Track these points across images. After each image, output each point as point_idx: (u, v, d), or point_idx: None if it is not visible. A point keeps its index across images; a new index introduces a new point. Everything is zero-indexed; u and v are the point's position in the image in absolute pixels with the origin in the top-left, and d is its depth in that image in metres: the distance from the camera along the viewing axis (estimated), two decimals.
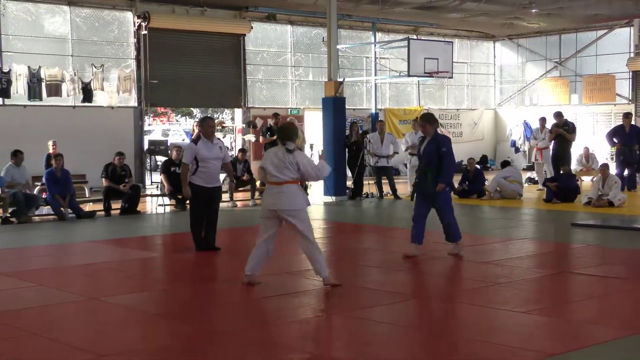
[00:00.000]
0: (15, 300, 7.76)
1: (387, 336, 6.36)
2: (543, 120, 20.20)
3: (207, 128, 10.37)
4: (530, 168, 25.28)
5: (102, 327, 6.75)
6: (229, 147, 34.28)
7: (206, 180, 10.26)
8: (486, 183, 18.26)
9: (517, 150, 28.94)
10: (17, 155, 15.18)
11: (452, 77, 22.23)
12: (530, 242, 11.39)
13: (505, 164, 19.00)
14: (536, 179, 20.83)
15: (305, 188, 19.43)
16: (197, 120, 28.35)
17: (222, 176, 11.83)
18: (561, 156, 18.89)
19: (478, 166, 21.87)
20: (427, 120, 9.86)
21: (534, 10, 24.11)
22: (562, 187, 16.74)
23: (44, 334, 6.38)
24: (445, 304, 7.32)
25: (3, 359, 5.77)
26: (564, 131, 19.15)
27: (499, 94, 30.61)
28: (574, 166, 20.27)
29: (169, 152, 18.72)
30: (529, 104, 29.31)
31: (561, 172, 17.40)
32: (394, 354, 5.82)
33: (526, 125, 28.13)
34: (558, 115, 19.50)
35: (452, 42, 23.20)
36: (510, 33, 29.11)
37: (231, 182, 11.64)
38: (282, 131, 8.18)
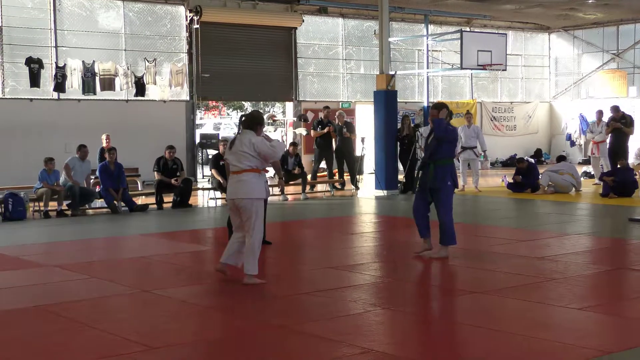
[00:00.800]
0: (68, 292, 7.89)
1: (440, 332, 6.32)
2: (600, 113, 19.86)
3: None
4: (586, 162, 24.88)
5: (153, 320, 6.82)
6: (280, 141, 34.43)
7: None
8: (540, 177, 18.02)
9: (572, 144, 28.51)
10: (81, 149, 15.38)
11: (505, 70, 21.98)
12: (586, 238, 11.21)
13: (561, 158, 18.76)
14: (592, 173, 20.51)
15: (356, 182, 19.39)
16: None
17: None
18: (618, 150, 18.54)
19: (532, 160, 21.64)
20: (434, 106, 9.56)
21: (590, 1, 23.69)
22: (619, 181, 16.43)
23: (96, 325, 6.47)
24: (499, 300, 7.24)
25: (57, 349, 5.87)
26: (621, 125, 18.80)
27: (553, 86, 30.16)
28: (631, 160, 19.91)
29: (219, 146, 18.83)
30: (585, 96, 28.83)
31: (618, 166, 17.09)
32: (446, 350, 5.78)
33: (582, 118, 27.68)
34: (615, 109, 19.14)
35: (505, 34, 22.95)
36: (566, 24, 28.64)
37: (280, 180, 11.29)
38: (246, 120, 8.15)
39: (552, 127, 29.88)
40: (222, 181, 15.96)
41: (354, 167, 19.19)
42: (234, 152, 7.98)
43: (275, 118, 38.80)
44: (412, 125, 18.57)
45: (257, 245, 7.99)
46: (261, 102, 39.01)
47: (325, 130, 18.85)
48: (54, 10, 19.65)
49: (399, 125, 18.47)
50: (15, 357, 5.69)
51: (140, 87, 20.51)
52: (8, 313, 7.05)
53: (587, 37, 28.84)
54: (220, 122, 37.86)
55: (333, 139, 19.13)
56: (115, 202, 15.08)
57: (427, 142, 9.43)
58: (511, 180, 18.10)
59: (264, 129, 8.20)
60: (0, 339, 6.18)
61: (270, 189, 8.28)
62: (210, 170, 15.99)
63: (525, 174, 17.84)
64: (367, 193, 18.25)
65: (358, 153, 20.55)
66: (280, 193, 17.12)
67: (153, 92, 20.89)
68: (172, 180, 15.71)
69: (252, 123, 8.08)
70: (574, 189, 17.45)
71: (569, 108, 29.08)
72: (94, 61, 19.81)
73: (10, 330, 6.46)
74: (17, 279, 8.65)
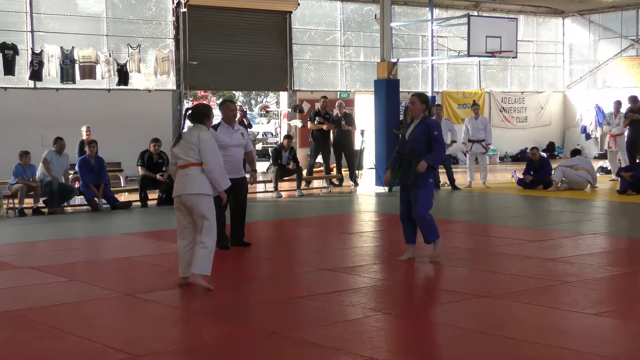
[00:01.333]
0: (46, 296, 7.89)
1: (444, 339, 6.33)
2: (618, 104, 19.88)
3: (227, 112, 10.21)
4: (602, 156, 24.92)
5: (137, 326, 6.83)
6: (274, 133, 34.50)
7: (228, 171, 10.06)
8: (553, 173, 18.05)
9: (588, 137, 28.54)
10: (58, 142, 15.38)
11: (516, 57, 22.00)
12: (603, 238, 11.23)
13: (575, 152, 18.79)
14: (609, 168, 20.53)
15: (355, 178, 19.39)
16: (240, 104, 28.45)
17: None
18: (637, 143, 18.55)
19: (544, 154, 21.65)
20: (421, 99, 9.22)
21: None
22: (638, 177, 16.46)
23: (76, 332, 6.47)
24: (508, 304, 7.26)
25: (34, 358, 5.87)
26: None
27: (568, 75, 30.18)
28: None
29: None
30: (601, 86, 28.86)
31: (637, 160, 17.11)
32: (450, 358, 5.79)
33: (598, 109, 27.71)
34: (634, 100, 19.16)
35: (516, 18, 22.98)
36: (582, 8, 28.66)
37: (253, 172, 11.34)
38: (193, 113, 8.12)
39: (565, 118, 29.92)
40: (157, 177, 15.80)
41: (353, 161, 19.21)
42: (181, 145, 7.96)
43: (269, 109, 38.75)
44: None
45: (213, 244, 7.96)
46: (253, 92, 39.10)
47: (325, 127, 18.87)
48: None
49: (401, 117, 18.47)
50: None
51: (123, 76, 20.47)
52: None
53: (604, 21, 28.86)
54: None
55: (331, 132, 19.15)
56: (96, 199, 15.09)
57: (406, 137, 9.17)
58: (521, 176, 18.13)
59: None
60: None
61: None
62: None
63: (537, 168, 17.87)
64: (367, 189, 18.26)
65: (357, 147, 20.57)
66: (274, 189, 17.12)
67: (137, 81, 20.87)
68: (157, 176, 15.73)
69: (200, 117, 8.06)
70: (589, 185, 17.48)
71: (584, 98, 29.12)
72: (73, 47, 19.77)
73: None
74: None
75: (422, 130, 9.09)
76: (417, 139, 9.08)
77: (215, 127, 10.17)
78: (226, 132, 10.05)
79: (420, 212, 9.10)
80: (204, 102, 45.90)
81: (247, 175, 10.92)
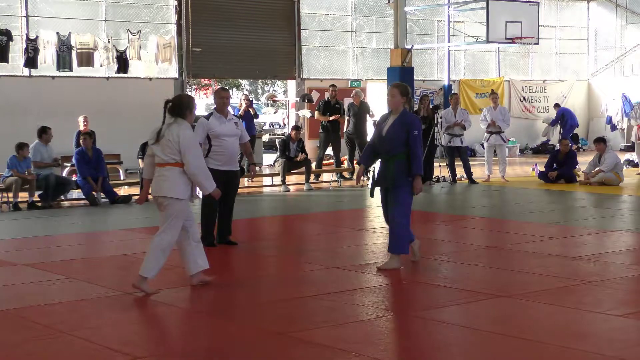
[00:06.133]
0: (42, 295, 7.92)
1: (459, 340, 6.34)
2: None
3: (218, 100, 10.21)
4: (629, 149, 24.85)
5: (137, 326, 6.86)
6: (281, 124, 34.51)
7: (222, 162, 9.98)
8: (577, 167, 18.01)
9: (613, 128, 28.46)
10: (45, 133, 15.46)
11: (537, 44, 21.99)
12: (629, 235, 11.20)
13: (600, 141, 18.65)
14: (636, 161, 20.49)
15: (366, 172, 19.39)
16: (245, 93, 28.50)
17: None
18: None
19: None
20: (402, 91, 8.72)
21: None
22: None
23: (74, 332, 6.50)
24: (527, 305, 7.26)
25: (29, 359, 5.90)
26: None
27: (592, 62, 30.09)
28: None
29: None
30: (628, 74, 28.77)
31: None
32: None
33: (625, 99, 27.62)
34: None
35: (538, 2, 22.90)
36: None
37: (252, 166, 11.10)
38: (172, 105, 7.95)
39: (590, 109, 29.84)
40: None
41: None
42: (160, 143, 7.79)
43: (276, 98, 38.82)
44: (430, 106, 18.57)
45: (166, 247, 7.78)
46: (260, 80, 39.07)
47: (332, 118, 18.87)
48: None
49: (416, 107, 18.46)
50: None
51: (122, 63, 20.51)
52: None
53: (631, 5, 28.75)
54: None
55: (341, 123, 19.15)
56: (94, 192, 15.12)
57: (383, 133, 8.73)
58: (543, 169, 18.09)
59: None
60: None
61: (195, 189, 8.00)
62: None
63: (561, 162, 17.77)
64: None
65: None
66: (281, 183, 17.13)
67: (137, 69, 20.90)
68: None
69: (181, 109, 7.90)
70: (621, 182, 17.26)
71: (609, 87, 29.03)
72: (70, 33, 19.81)
73: None
74: None
75: (401, 127, 8.59)
76: (395, 137, 8.61)
77: (208, 116, 10.18)
78: (218, 121, 10.03)
79: (398, 219, 8.69)
80: (205, 91, 45.93)
81: (247, 171, 10.87)
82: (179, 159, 7.72)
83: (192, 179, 7.79)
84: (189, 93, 22.07)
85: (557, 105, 26.27)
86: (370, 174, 9.11)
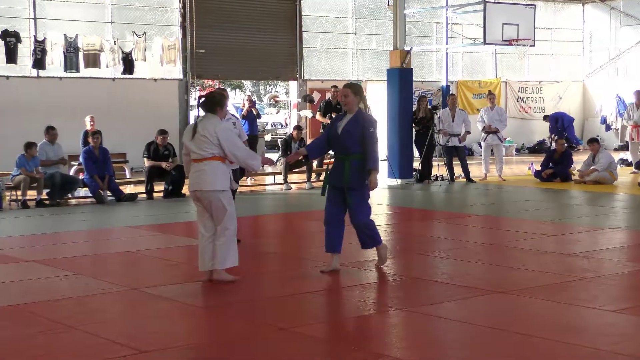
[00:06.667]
0: (50, 291, 7.93)
1: (458, 335, 6.34)
2: (639, 94, 19.80)
3: None
4: (623, 148, 24.84)
5: (143, 321, 6.86)
6: (283, 124, 34.50)
7: None
8: (573, 166, 18.01)
9: (608, 128, 28.44)
10: (50, 132, 15.48)
11: (534, 45, 21.91)
12: (622, 232, 11.20)
13: (593, 141, 18.67)
14: (630, 160, 20.48)
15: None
16: (248, 94, 28.48)
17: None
18: None
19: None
20: (354, 91, 8.41)
21: None
22: None
23: (81, 327, 6.50)
24: (524, 300, 7.25)
25: (37, 353, 5.91)
26: None
27: (587, 63, 30.07)
28: None
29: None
30: (622, 75, 28.74)
31: None
32: (464, 356, 5.80)
33: (619, 99, 27.60)
34: None
35: (534, 5, 22.88)
36: None
37: (264, 156, 10.96)
38: (205, 101, 8.03)
39: (585, 109, 29.82)
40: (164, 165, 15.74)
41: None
42: (195, 139, 7.89)
43: (278, 99, 38.79)
44: (429, 107, 18.57)
45: (233, 234, 7.96)
46: (262, 81, 39.05)
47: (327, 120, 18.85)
48: None
49: (415, 107, 18.46)
50: None
51: (128, 64, 20.52)
52: None
53: (626, 8, 28.71)
54: None
55: None
56: (100, 191, 15.12)
57: (338, 131, 8.43)
58: (539, 168, 18.08)
59: (227, 112, 8.09)
60: None
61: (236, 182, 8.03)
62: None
63: (557, 161, 17.78)
64: (379, 182, 18.23)
65: None
66: (283, 182, 17.13)
67: (142, 70, 20.91)
68: (164, 164, 15.68)
69: (212, 105, 7.98)
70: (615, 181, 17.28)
71: (604, 88, 29.00)
72: (77, 35, 19.83)
73: None
74: None
75: (356, 125, 8.32)
76: (350, 136, 8.32)
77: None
78: None
79: (362, 220, 8.46)
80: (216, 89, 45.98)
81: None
82: (215, 153, 7.82)
83: (241, 163, 8.00)
84: (193, 94, 22.07)
85: (546, 117, 26.16)
86: (324, 174, 8.84)
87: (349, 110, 8.44)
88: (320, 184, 18.21)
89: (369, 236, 8.56)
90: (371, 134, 8.33)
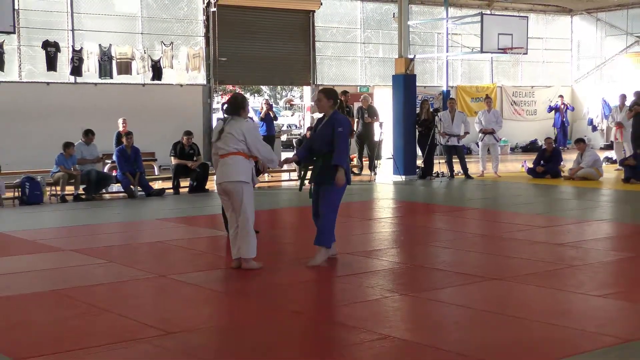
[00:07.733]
0: (86, 277, 7.94)
1: (457, 318, 6.32)
2: (623, 98, 19.71)
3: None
4: (608, 147, 24.72)
5: (170, 305, 6.87)
6: (298, 125, 34.48)
7: None
8: (562, 163, 17.94)
9: (594, 129, 28.32)
10: (87, 135, 15.54)
11: (526, 53, 21.85)
12: (607, 224, 11.15)
13: (580, 141, 18.61)
14: (614, 158, 20.38)
15: (374, 167, 19.32)
16: (266, 98, 28.44)
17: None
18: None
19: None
20: (326, 94, 8.26)
21: None
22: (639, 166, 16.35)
23: (114, 310, 6.52)
24: (518, 286, 7.23)
25: (75, 333, 5.93)
26: None
27: (575, 70, 29.93)
28: None
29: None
30: (607, 80, 28.59)
31: (638, 152, 16.96)
32: (463, 337, 5.79)
33: (604, 103, 27.47)
34: (639, 94, 18.96)
35: (527, 16, 22.79)
36: (589, 7, 28.38)
37: (262, 162, 10.96)
38: (229, 105, 8.05)
39: (573, 112, 29.66)
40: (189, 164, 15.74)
41: (374, 152, 19.18)
42: (222, 137, 7.92)
43: (293, 102, 38.71)
44: (431, 109, 18.52)
45: (251, 226, 7.95)
46: (279, 86, 39.00)
47: None
48: None
49: (418, 110, 18.41)
50: (33, 341, 5.75)
51: (157, 71, 20.56)
52: (26, 297, 7.12)
53: (610, 19, 28.54)
54: None
55: (351, 124, 19.11)
56: (132, 186, 15.16)
57: (315, 132, 8.37)
58: (531, 166, 18.02)
59: (249, 114, 8.14)
60: (18, 323, 6.24)
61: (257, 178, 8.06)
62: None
63: (548, 159, 17.72)
64: (385, 178, 18.23)
65: (376, 138, 20.53)
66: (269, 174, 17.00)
67: (170, 76, 20.94)
68: (189, 163, 15.73)
69: (236, 108, 8.01)
70: (600, 177, 17.20)
71: (591, 92, 28.86)
72: (110, 45, 19.87)
73: (27, 315, 6.52)
74: (35, 263, 8.73)
75: (328, 126, 8.17)
76: (322, 137, 8.19)
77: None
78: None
79: (325, 210, 8.27)
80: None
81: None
82: (240, 148, 7.84)
83: (262, 156, 8.01)
84: (215, 98, 22.08)
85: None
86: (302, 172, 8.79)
87: (324, 113, 8.31)
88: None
89: (320, 231, 8.29)
90: (339, 133, 8.08)
